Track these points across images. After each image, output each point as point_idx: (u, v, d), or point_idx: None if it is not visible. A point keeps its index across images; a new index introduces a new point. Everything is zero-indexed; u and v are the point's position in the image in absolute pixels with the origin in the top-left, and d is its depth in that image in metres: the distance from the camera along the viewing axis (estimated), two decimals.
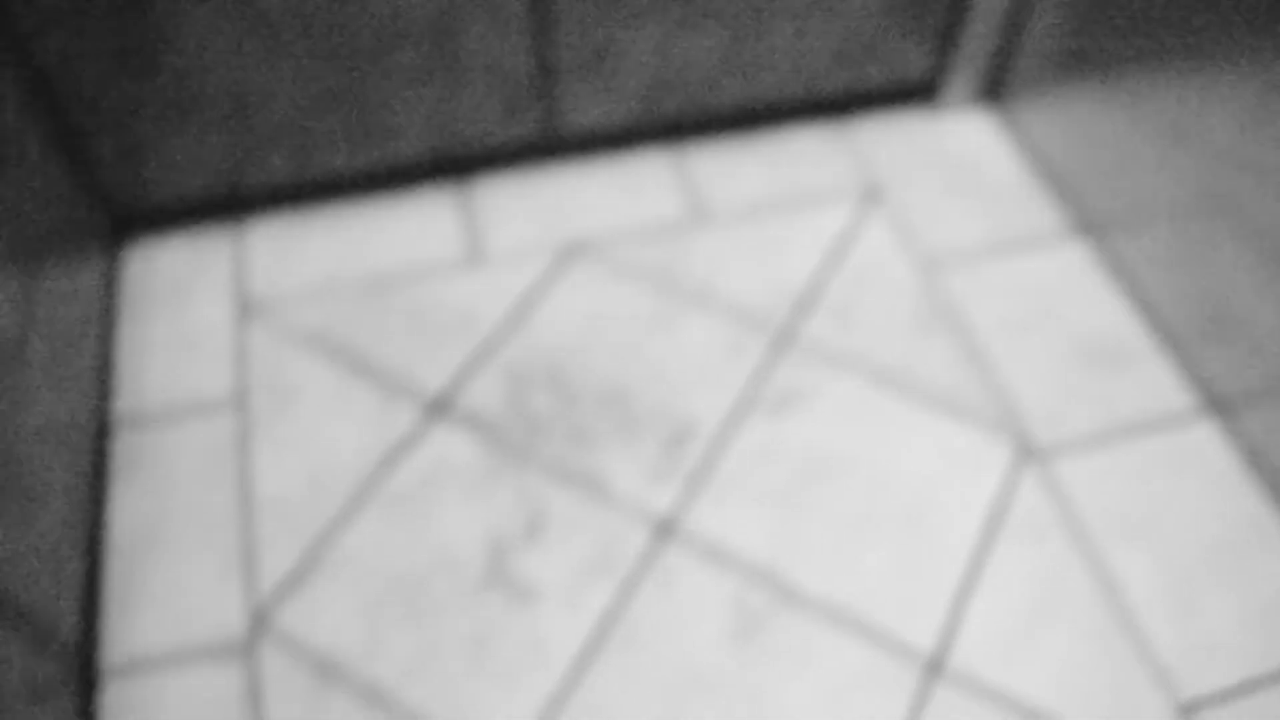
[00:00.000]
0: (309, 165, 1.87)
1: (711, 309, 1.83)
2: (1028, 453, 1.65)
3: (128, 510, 1.56)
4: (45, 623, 1.28)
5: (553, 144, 2.02)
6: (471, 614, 1.46)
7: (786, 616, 1.47)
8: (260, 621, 1.45)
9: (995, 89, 2.17)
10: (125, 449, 1.63)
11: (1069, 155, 1.96)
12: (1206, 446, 1.65)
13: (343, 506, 1.57)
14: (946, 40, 2.06)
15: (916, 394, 1.72)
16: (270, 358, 1.74)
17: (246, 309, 1.81)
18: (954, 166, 2.08)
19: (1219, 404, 1.68)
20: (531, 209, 1.98)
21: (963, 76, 2.12)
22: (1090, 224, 1.93)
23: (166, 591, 1.48)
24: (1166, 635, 1.46)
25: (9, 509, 1.25)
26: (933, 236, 1.95)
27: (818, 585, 1.50)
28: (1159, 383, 1.74)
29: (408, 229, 1.94)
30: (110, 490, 1.58)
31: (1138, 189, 1.78)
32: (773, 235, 1.95)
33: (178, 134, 1.74)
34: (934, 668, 1.42)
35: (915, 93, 2.18)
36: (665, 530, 1.55)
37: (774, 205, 2.00)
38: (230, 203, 1.92)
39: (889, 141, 2.13)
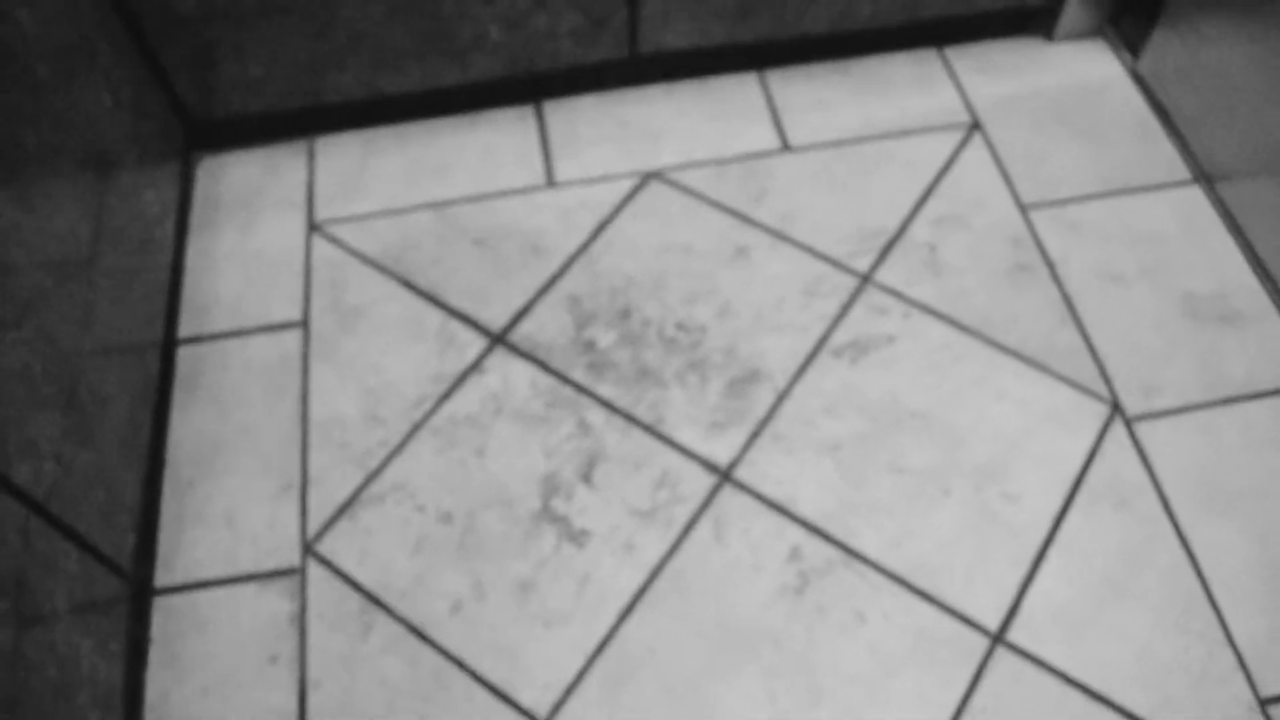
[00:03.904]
0: (382, 83, 1.82)
1: (791, 245, 1.74)
2: (1119, 415, 1.54)
3: (186, 428, 1.57)
4: (101, 539, 1.29)
5: (633, 66, 1.93)
6: (521, 555, 1.44)
7: (845, 575, 1.41)
8: (310, 549, 1.45)
9: (1116, 20, 2.00)
10: (187, 366, 1.63)
11: (1192, 96, 1.80)
12: None
13: (399, 434, 1.55)
14: None
15: (1003, 346, 1.62)
16: (335, 277, 1.72)
17: (314, 227, 1.79)
18: (1064, 102, 1.94)
19: None
20: (608, 134, 1.91)
21: (1082, 4, 1.95)
22: (1209, 171, 1.78)
23: (220, 513, 1.49)
24: (1253, 623, 1.36)
25: (70, 425, 1.25)
26: (1035, 177, 1.82)
27: (880, 544, 1.44)
28: (1270, 347, 1.61)
29: (480, 152, 1.89)
30: (170, 408, 1.59)
31: (1266, 137, 1.62)
32: (861, 169, 1.84)
33: (251, 45, 1.71)
34: (997, 640, 1.36)
35: (1030, 21, 2.02)
36: (725, 477, 1.50)
37: (864, 137, 1.89)
38: (302, 120, 1.89)
39: (994, 72, 1.99)
